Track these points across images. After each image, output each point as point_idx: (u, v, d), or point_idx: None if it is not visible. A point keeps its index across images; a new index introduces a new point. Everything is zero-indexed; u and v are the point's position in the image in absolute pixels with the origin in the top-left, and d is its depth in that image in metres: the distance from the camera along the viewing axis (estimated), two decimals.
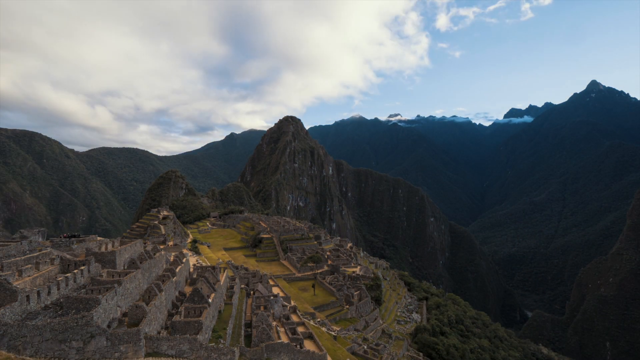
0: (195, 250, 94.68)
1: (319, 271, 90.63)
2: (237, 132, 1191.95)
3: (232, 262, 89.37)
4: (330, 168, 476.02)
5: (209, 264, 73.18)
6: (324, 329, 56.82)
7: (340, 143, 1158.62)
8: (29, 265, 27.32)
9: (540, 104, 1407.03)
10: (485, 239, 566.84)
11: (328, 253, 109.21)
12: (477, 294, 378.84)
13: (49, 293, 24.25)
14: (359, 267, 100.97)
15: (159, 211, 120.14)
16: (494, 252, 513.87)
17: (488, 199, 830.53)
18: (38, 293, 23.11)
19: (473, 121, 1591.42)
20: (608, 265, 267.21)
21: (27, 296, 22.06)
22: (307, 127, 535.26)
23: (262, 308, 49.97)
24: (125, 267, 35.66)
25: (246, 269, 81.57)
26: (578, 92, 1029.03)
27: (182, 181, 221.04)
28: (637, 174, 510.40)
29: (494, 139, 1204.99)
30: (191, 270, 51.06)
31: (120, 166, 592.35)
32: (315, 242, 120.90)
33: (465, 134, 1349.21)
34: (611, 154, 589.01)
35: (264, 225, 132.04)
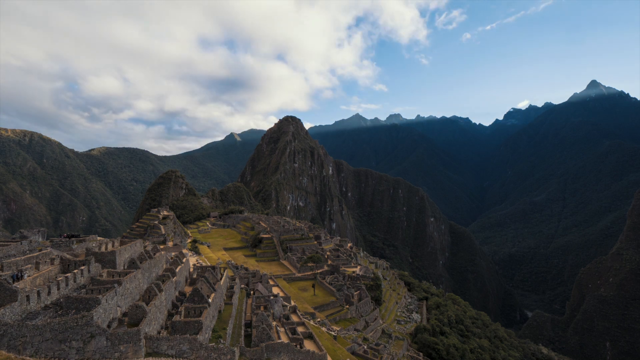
0: (195, 250, 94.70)
1: (319, 271, 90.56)
2: (237, 132, 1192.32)
3: (232, 262, 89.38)
4: (330, 168, 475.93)
5: (209, 264, 73.25)
6: (324, 329, 56.78)
7: (340, 143, 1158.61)
8: (29, 265, 27.31)
9: (540, 104, 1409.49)
10: (485, 239, 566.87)
11: (328, 253, 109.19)
12: (477, 294, 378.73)
13: (49, 293, 24.23)
14: (359, 267, 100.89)
15: (159, 211, 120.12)
16: (494, 252, 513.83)
17: (488, 199, 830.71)
18: (38, 293, 23.09)
19: (473, 121, 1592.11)
20: (608, 265, 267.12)
21: (27, 296, 22.05)
22: (307, 127, 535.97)
23: (262, 308, 49.96)
24: (125, 267, 35.63)
25: (246, 269, 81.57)
26: (578, 92, 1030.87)
27: (182, 181, 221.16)
28: (637, 174, 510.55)
29: (494, 139, 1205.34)
30: (191, 270, 51.04)
31: (120, 166, 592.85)
32: (315, 242, 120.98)
33: (465, 134, 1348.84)
34: (611, 154, 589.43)
35: (264, 225, 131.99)
